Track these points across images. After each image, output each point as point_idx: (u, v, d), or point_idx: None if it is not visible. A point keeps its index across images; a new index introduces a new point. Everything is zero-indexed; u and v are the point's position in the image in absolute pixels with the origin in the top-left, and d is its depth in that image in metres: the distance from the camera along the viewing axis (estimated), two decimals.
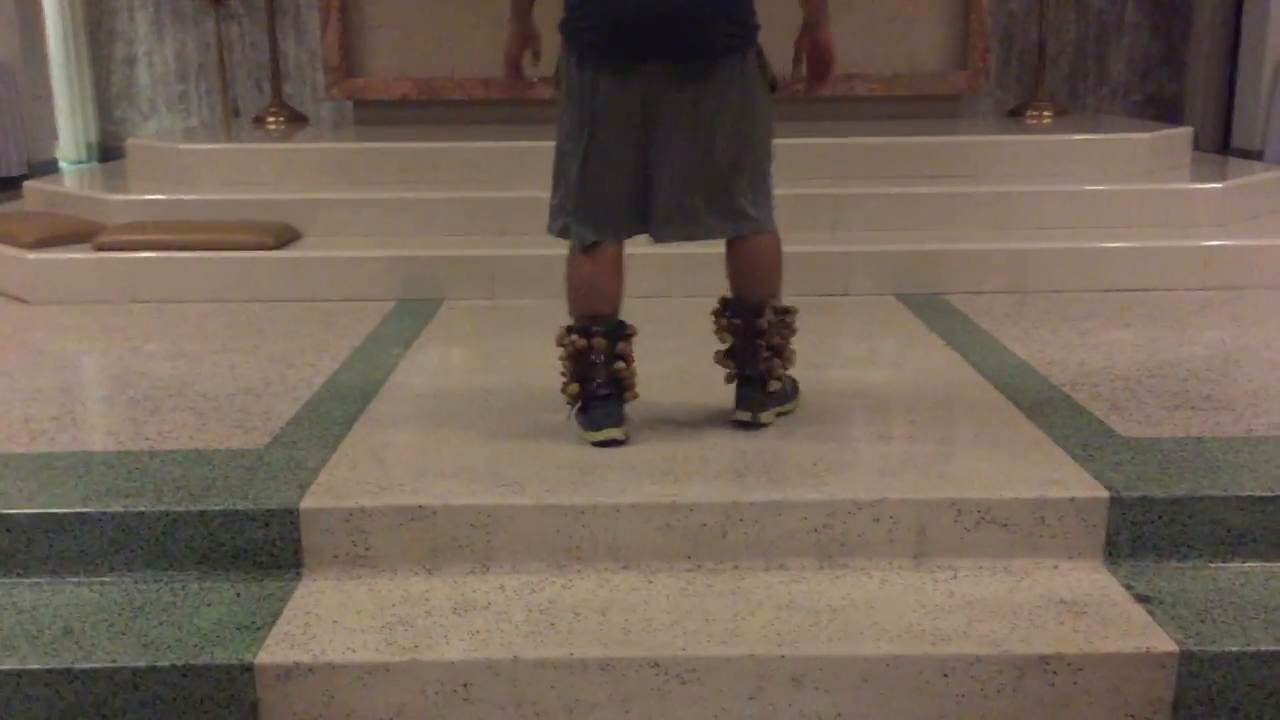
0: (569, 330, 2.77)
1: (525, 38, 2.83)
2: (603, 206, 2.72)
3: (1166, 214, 4.66)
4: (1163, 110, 7.79)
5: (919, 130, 5.26)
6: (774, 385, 2.80)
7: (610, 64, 2.63)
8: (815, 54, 2.75)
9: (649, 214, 2.73)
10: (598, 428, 2.72)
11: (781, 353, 2.82)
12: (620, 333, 2.78)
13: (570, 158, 2.74)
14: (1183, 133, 5.44)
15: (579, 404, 2.77)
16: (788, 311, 2.85)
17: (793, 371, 2.95)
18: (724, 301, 2.86)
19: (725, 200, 2.71)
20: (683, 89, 2.63)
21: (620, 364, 2.75)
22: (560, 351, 2.79)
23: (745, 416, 2.80)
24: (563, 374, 2.79)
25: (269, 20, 6.74)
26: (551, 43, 2.80)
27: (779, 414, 2.87)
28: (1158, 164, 5.09)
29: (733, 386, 2.84)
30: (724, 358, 2.84)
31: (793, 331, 2.86)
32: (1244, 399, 3.06)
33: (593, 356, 2.73)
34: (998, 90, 7.49)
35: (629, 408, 2.80)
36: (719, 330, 2.84)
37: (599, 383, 2.73)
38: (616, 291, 2.78)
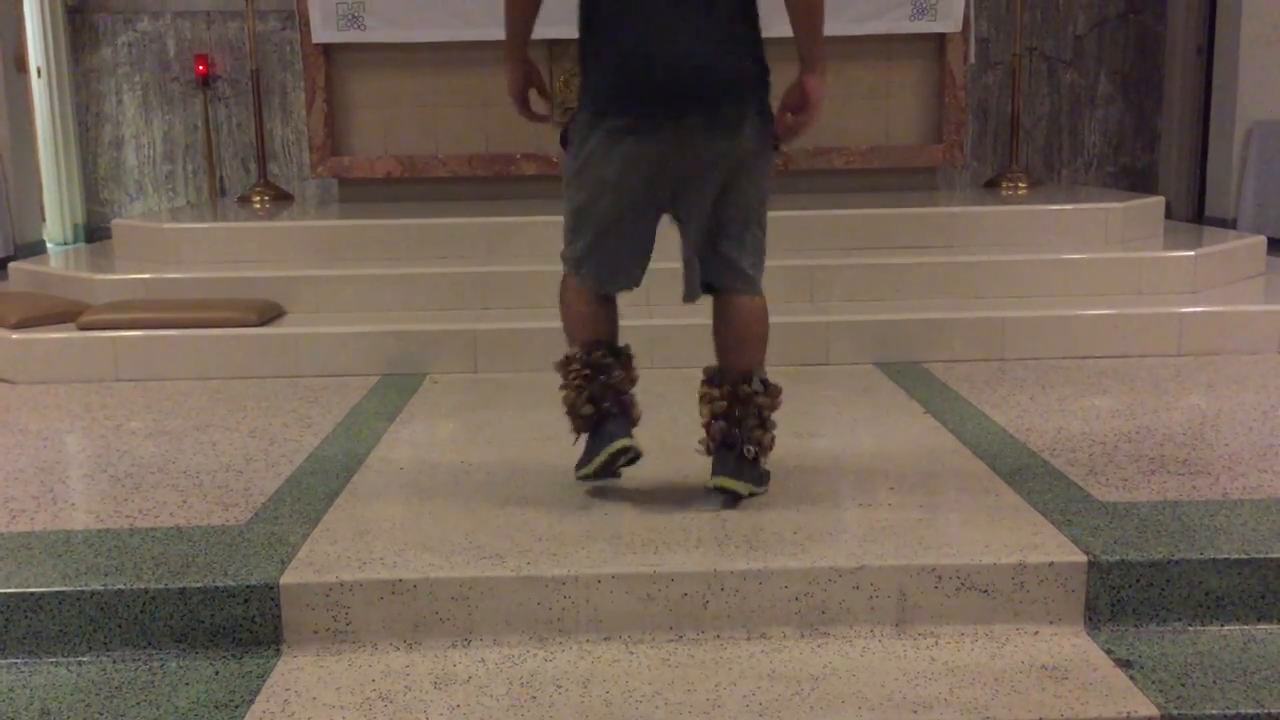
0: (571, 358, 2.81)
1: (525, 74, 2.83)
2: (620, 264, 2.79)
3: (1141, 282, 4.73)
4: (1137, 181, 7.93)
5: (896, 202, 5.35)
6: (750, 452, 2.76)
7: (638, 124, 2.63)
8: (802, 103, 2.70)
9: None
10: (612, 439, 2.74)
11: (764, 424, 2.79)
12: (623, 356, 2.83)
13: (586, 218, 2.77)
14: (1155, 202, 5.54)
15: (586, 432, 2.80)
16: (775, 389, 2.82)
17: (775, 440, 2.97)
18: (708, 372, 2.85)
19: (734, 253, 2.74)
20: (699, 148, 2.64)
21: (620, 374, 2.79)
22: (561, 381, 2.83)
23: (724, 483, 2.76)
24: (567, 399, 2.81)
25: (255, 101, 6.84)
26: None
27: (751, 494, 2.79)
28: (1131, 233, 5.17)
29: (709, 460, 2.81)
30: (711, 427, 2.80)
31: (775, 407, 2.83)
32: (1219, 463, 3.08)
33: (601, 377, 2.76)
34: (974, 162, 7.63)
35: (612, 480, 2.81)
36: (703, 400, 2.81)
37: (607, 403, 2.76)
38: (614, 320, 2.87)
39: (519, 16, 2.78)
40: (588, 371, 2.77)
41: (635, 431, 2.82)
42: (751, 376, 2.78)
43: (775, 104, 2.73)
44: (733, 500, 2.78)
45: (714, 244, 2.74)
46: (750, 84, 2.66)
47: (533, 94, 2.86)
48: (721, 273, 2.77)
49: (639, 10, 2.61)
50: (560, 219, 2.87)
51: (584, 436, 2.85)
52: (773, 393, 2.82)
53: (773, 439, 2.83)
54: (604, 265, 2.79)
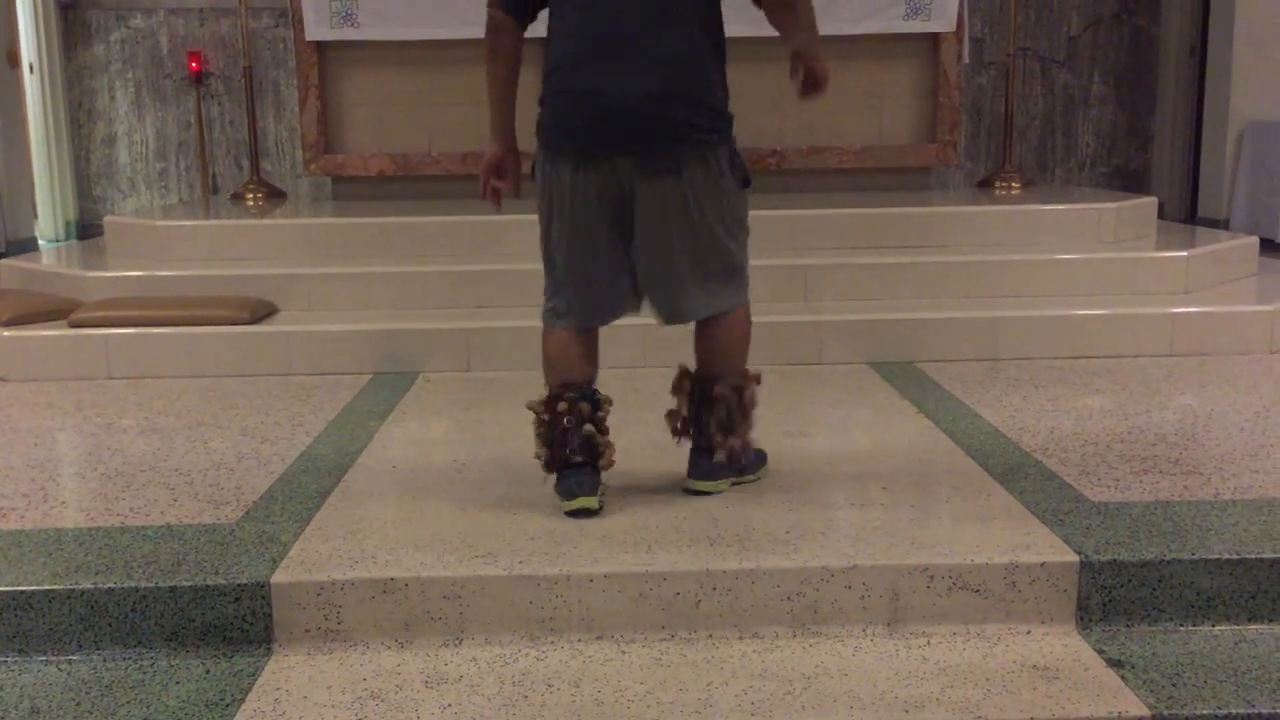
0: (542, 399, 2.80)
1: (506, 157, 2.81)
2: (587, 296, 2.77)
3: (1133, 282, 4.74)
4: (1130, 181, 7.95)
5: (890, 202, 5.35)
6: (719, 456, 2.81)
7: (578, 159, 2.66)
8: (809, 74, 2.71)
9: (638, 296, 2.81)
10: (570, 496, 2.72)
11: (729, 429, 2.81)
12: (592, 398, 2.78)
13: (553, 250, 2.78)
14: (1148, 202, 5.55)
15: (554, 473, 2.78)
16: (742, 389, 2.83)
17: (766, 440, 2.97)
18: (682, 371, 2.89)
19: (690, 288, 2.75)
20: (650, 182, 2.64)
21: (590, 428, 2.74)
22: (533, 419, 2.81)
23: (695, 485, 2.84)
24: (536, 443, 2.81)
25: (248, 98, 6.83)
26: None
27: (735, 484, 2.89)
28: (1124, 233, 5.18)
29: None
30: (674, 419, 2.88)
31: (750, 405, 2.85)
32: (1211, 463, 3.09)
33: (565, 422, 2.74)
34: (967, 162, 7.64)
35: (605, 476, 2.80)
36: (674, 393, 2.88)
37: (572, 449, 2.73)
38: (591, 363, 2.82)
39: (501, 97, 2.75)
40: (547, 417, 2.76)
41: (624, 433, 2.85)
42: (714, 382, 2.80)
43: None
44: (701, 495, 2.83)
45: (662, 285, 2.75)
46: (696, 130, 2.64)
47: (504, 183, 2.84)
48: (685, 309, 2.79)
49: (588, 47, 2.62)
50: None
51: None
52: (746, 394, 2.83)
53: (744, 443, 2.84)
54: (575, 298, 2.77)
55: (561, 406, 2.74)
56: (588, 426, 2.74)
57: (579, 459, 2.74)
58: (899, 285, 4.70)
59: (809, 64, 2.72)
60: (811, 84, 2.75)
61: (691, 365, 2.89)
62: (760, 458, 2.98)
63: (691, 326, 2.86)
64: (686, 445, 2.91)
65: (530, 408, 2.82)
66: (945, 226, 5.10)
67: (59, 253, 6.43)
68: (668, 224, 2.68)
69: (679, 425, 2.89)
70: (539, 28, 2.78)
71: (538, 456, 2.80)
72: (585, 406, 2.75)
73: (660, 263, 2.73)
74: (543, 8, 2.74)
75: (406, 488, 3.01)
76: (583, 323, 2.79)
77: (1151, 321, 4.43)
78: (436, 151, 6.04)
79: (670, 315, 2.82)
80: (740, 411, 2.83)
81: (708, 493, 2.83)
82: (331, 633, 2.41)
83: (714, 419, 2.80)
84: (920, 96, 6.13)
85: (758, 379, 2.89)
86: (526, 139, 2.80)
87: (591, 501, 2.72)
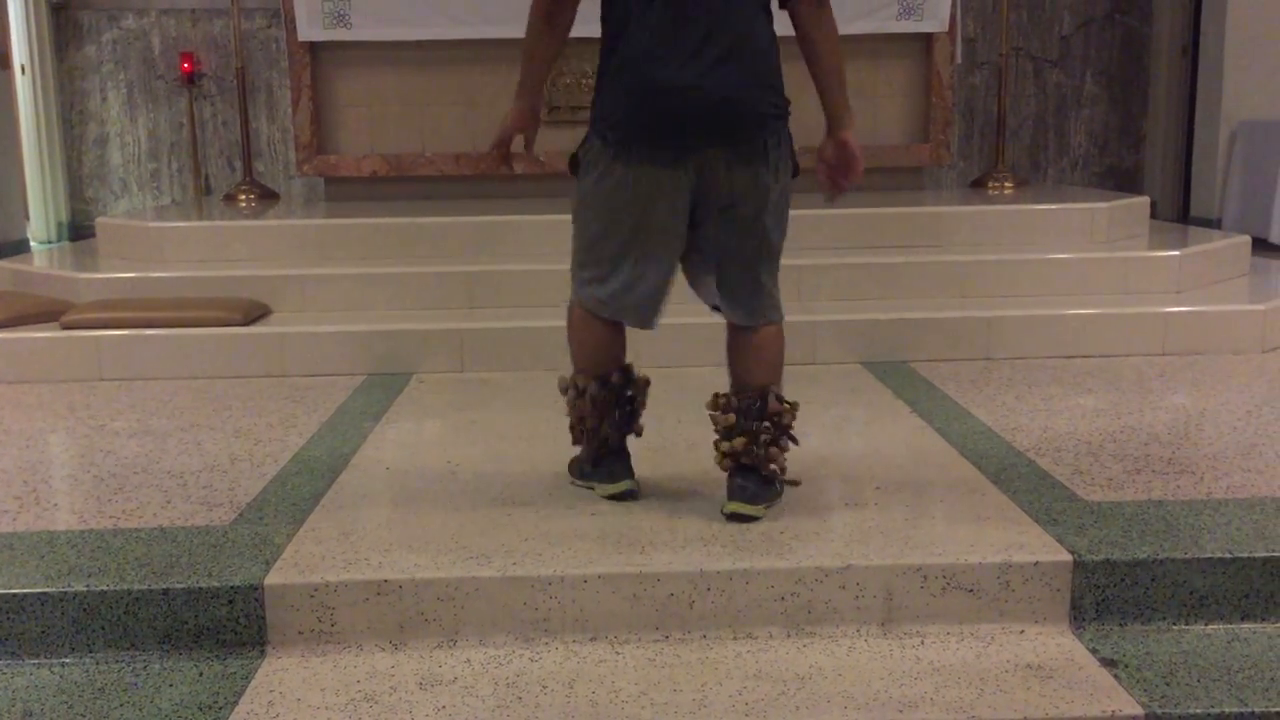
0: (579, 384, 2.78)
1: (530, 118, 2.72)
2: (648, 300, 2.72)
3: (1126, 282, 4.75)
4: (1123, 181, 7.96)
5: (883, 201, 5.35)
6: (766, 470, 2.69)
7: (666, 156, 2.57)
8: (841, 158, 2.69)
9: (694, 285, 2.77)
10: (615, 480, 2.77)
11: (778, 442, 2.71)
12: (632, 375, 2.82)
13: (603, 249, 2.69)
14: (1140, 202, 5.55)
15: (593, 459, 2.81)
16: (791, 404, 2.76)
17: None
18: (717, 396, 2.77)
19: (758, 285, 2.70)
20: (730, 174, 2.58)
21: (639, 413, 2.81)
22: (568, 404, 2.81)
23: (741, 509, 2.66)
24: (573, 426, 2.82)
25: (241, 99, 6.81)
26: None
27: (768, 507, 2.72)
28: (1117, 233, 5.19)
29: (697, 460, 2.83)
30: (723, 447, 2.71)
31: (791, 425, 2.75)
32: (1204, 462, 3.10)
33: (609, 396, 2.76)
34: (960, 162, 7.65)
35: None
36: (720, 421, 2.72)
37: (610, 436, 2.77)
38: (623, 346, 2.83)
39: (543, 63, 2.70)
40: (600, 396, 2.75)
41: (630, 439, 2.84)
42: (766, 392, 2.71)
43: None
44: (746, 520, 2.66)
45: (735, 278, 2.69)
46: (772, 116, 2.60)
47: (518, 140, 2.74)
48: (740, 307, 2.71)
49: (665, 37, 2.53)
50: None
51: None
52: (791, 409, 2.74)
53: (786, 459, 2.75)
54: (638, 300, 2.70)
55: (609, 380, 2.76)
56: (640, 392, 2.80)
57: (617, 445, 2.79)
58: (892, 285, 4.70)
59: (842, 140, 2.66)
60: (846, 171, 2.68)
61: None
62: (782, 486, 2.81)
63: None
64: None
65: (565, 390, 2.82)
66: (938, 226, 5.10)
67: (51, 254, 6.41)
68: (748, 213, 2.62)
69: (727, 452, 2.70)
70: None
71: (576, 440, 2.83)
72: (620, 378, 2.78)
73: (735, 255, 2.66)
74: None
75: (400, 489, 3.01)
76: (635, 322, 2.75)
77: (1144, 321, 4.44)
78: (430, 152, 6.04)
79: (735, 311, 2.72)
80: (790, 425, 2.75)
81: (752, 517, 2.66)
82: (325, 635, 2.41)
83: (766, 434, 2.68)
84: (913, 96, 6.14)
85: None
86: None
87: (634, 484, 2.77)
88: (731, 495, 2.69)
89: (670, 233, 2.66)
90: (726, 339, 2.78)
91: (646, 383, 2.86)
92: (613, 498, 2.78)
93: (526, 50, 2.68)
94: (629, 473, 2.81)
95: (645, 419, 2.91)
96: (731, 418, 2.70)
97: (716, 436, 2.74)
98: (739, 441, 2.68)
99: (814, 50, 2.64)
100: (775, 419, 2.71)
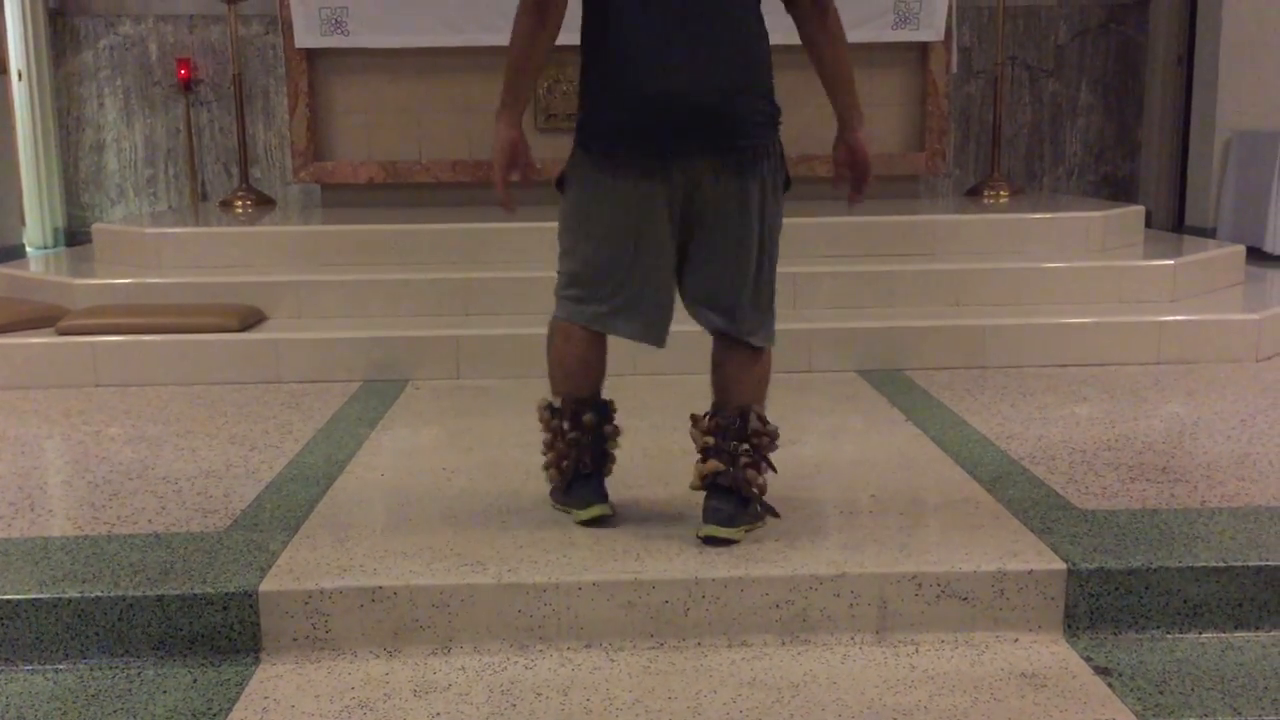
0: (555, 411, 2.70)
1: (518, 147, 2.57)
2: (656, 318, 2.63)
3: (1121, 290, 4.76)
4: (1118, 189, 7.98)
5: (879, 210, 5.36)
6: (746, 491, 2.60)
7: (650, 164, 2.49)
8: (852, 160, 2.66)
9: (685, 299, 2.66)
10: (585, 505, 2.68)
11: (758, 465, 2.63)
12: (607, 413, 2.73)
13: (595, 265, 2.60)
14: (1135, 211, 5.57)
15: (564, 483, 2.71)
16: (773, 429, 2.68)
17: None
18: (695, 416, 2.70)
19: (748, 302, 2.60)
20: (728, 181, 2.51)
21: (610, 431, 2.71)
22: (544, 431, 2.73)
23: (716, 533, 2.58)
24: (545, 453, 2.74)
25: (238, 106, 6.82)
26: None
27: (748, 531, 2.63)
28: (1112, 241, 5.20)
29: (691, 468, 2.69)
30: (700, 468, 2.63)
31: (772, 448, 2.68)
32: (1198, 471, 3.10)
33: (580, 436, 2.67)
34: (956, 170, 7.67)
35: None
36: (698, 440, 2.65)
37: (583, 463, 2.68)
38: (602, 370, 2.71)
39: (532, 72, 2.57)
40: (572, 435, 2.67)
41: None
42: (747, 412, 2.62)
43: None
44: (721, 544, 2.58)
45: (725, 294, 2.59)
46: (764, 124, 2.54)
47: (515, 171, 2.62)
48: (730, 323, 2.61)
49: (651, 43, 2.45)
50: (550, 227, 2.74)
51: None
52: (771, 432, 2.66)
53: (765, 482, 2.66)
54: (635, 318, 2.61)
55: (582, 419, 2.66)
56: (611, 437, 2.70)
57: (588, 470, 2.69)
58: (888, 293, 4.71)
59: (854, 145, 2.63)
60: (861, 176, 2.66)
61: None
62: (767, 509, 2.72)
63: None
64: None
65: (540, 415, 2.73)
66: (934, 235, 5.11)
67: (47, 260, 6.42)
68: (738, 223, 2.54)
69: (704, 474, 2.62)
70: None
71: (547, 468, 2.74)
72: (593, 418, 2.67)
73: (724, 267, 2.57)
74: None
75: (395, 496, 3.01)
76: (646, 339, 2.64)
77: (1139, 329, 4.45)
78: (426, 159, 6.04)
79: (725, 325, 2.61)
80: (770, 448, 2.67)
81: (729, 540, 2.58)
82: (320, 641, 2.40)
83: (746, 455, 2.60)
84: (909, 105, 6.15)
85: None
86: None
87: (607, 508, 2.68)
88: (706, 517, 2.61)
89: (665, 246, 2.57)
90: (712, 355, 2.68)
91: (618, 431, 2.75)
92: (586, 523, 2.68)
93: (515, 59, 2.53)
94: (601, 497, 2.69)
95: (642, 426, 2.91)
96: (710, 439, 2.62)
97: (698, 457, 2.67)
98: (714, 463, 2.60)
99: (819, 53, 2.60)
100: (755, 440, 2.62)
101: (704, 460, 2.63)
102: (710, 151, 2.49)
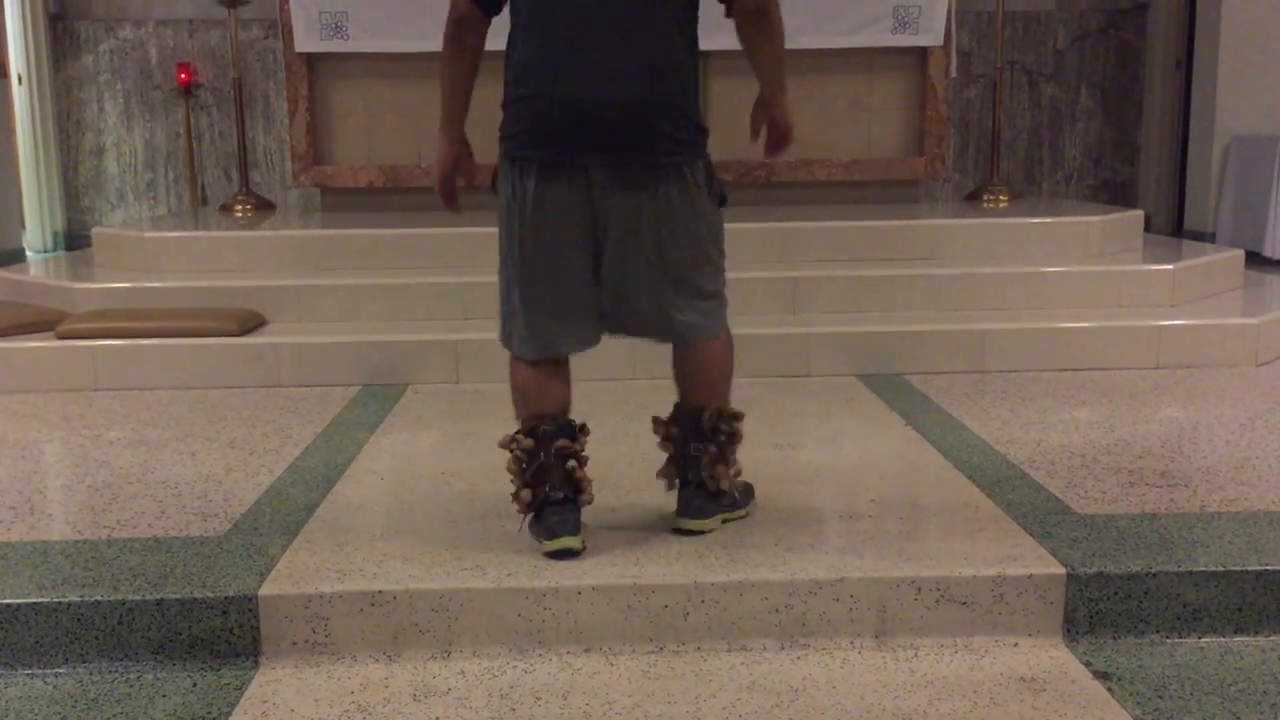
0: (515, 434, 2.63)
1: (458, 155, 2.64)
2: (551, 326, 2.59)
3: (1120, 295, 4.76)
4: (1117, 194, 7.99)
5: (878, 214, 5.37)
6: (718, 488, 2.66)
7: (547, 169, 2.50)
8: (773, 126, 2.68)
9: (602, 314, 2.62)
10: (552, 535, 2.53)
11: (724, 459, 2.67)
12: (569, 431, 2.62)
13: (512, 272, 2.61)
14: (1135, 215, 5.57)
15: (532, 512, 2.60)
16: (734, 417, 2.69)
17: (753, 452, 2.96)
18: (660, 420, 2.74)
19: (670, 310, 2.58)
20: (626, 195, 2.50)
21: (572, 464, 2.58)
22: (508, 458, 2.63)
23: (686, 525, 2.66)
24: (512, 481, 2.63)
25: (238, 110, 6.83)
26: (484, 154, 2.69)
27: (726, 520, 2.72)
28: (1111, 246, 5.21)
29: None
30: (666, 467, 2.72)
31: (738, 439, 2.71)
32: (1198, 475, 3.10)
33: (543, 458, 2.57)
34: (955, 175, 7.67)
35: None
36: (662, 441, 2.72)
37: (552, 485, 2.56)
38: (562, 393, 2.64)
39: (459, 93, 2.58)
40: (524, 452, 2.58)
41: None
42: (701, 413, 2.64)
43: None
44: (692, 534, 2.66)
45: (647, 300, 2.58)
46: (676, 141, 2.51)
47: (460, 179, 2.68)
48: (663, 329, 2.62)
49: (566, 49, 2.47)
50: None
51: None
52: (734, 427, 2.68)
53: (737, 472, 2.73)
54: (541, 328, 2.59)
55: (537, 441, 2.57)
56: (570, 462, 2.57)
57: (559, 495, 2.56)
58: (887, 297, 4.71)
59: (774, 115, 2.66)
60: (777, 138, 2.70)
61: (674, 399, 2.74)
62: (748, 491, 2.84)
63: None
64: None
65: (503, 445, 2.64)
66: (933, 239, 5.12)
67: (47, 264, 6.42)
68: (642, 242, 2.52)
69: (672, 472, 2.71)
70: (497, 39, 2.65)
71: (515, 497, 2.62)
72: (564, 442, 2.58)
73: (633, 283, 2.56)
74: (507, 2, 2.55)
75: (395, 500, 3.01)
76: (545, 354, 2.61)
77: (1138, 334, 4.45)
78: (426, 163, 6.03)
79: (658, 333, 2.64)
80: (733, 442, 2.70)
81: (700, 532, 2.66)
82: (319, 645, 2.40)
83: (707, 451, 2.64)
84: (908, 110, 6.16)
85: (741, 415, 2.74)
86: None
87: (574, 541, 2.53)
88: (678, 510, 2.69)
89: (568, 253, 2.54)
90: (672, 358, 2.70)
91: (583, 452, 2.65)
92: (551, 555, 2.54)
93: (443, 83, 2.59)
94: (570, 528, 2.54)
95: (641, 429, 2.90)
96: (670, 444, 2.69)
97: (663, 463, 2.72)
98: (672, 468, 2.69)
99: (758, 54, 2.60)
100: (716, 438, 2.65)
101: (669, 462, 2.70)
102: (611, 163, 2.49)
